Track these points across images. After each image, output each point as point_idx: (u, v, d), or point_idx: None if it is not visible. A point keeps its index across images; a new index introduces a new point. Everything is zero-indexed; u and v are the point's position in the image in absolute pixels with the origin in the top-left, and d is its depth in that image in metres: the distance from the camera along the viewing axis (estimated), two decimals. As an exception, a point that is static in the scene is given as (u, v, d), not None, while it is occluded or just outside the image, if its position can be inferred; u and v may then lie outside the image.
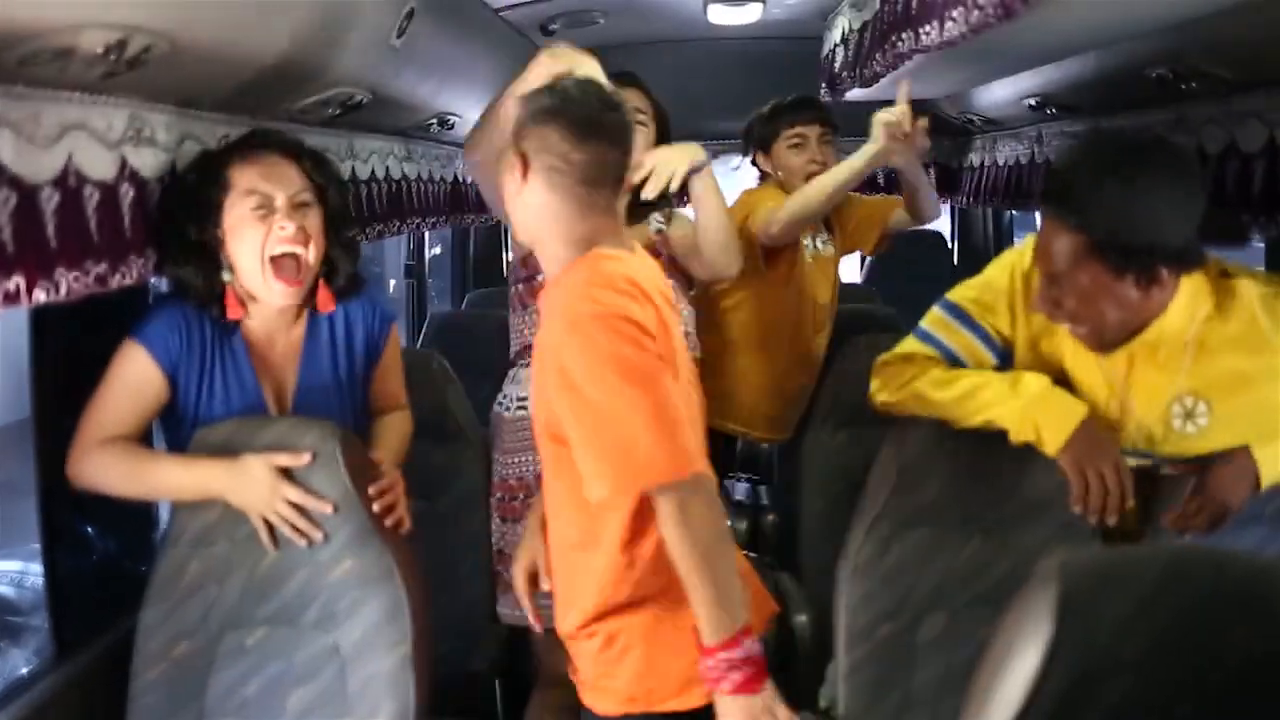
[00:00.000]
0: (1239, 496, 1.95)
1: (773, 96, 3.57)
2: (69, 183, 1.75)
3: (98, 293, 1.81)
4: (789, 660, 2.54)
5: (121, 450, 2.01)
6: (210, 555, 2.02)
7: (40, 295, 1.64)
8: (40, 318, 2.05)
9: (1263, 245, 2.59)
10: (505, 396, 2.73)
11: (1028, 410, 1.95)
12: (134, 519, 2.24)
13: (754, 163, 3.57)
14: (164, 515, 2.23)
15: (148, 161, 1.99)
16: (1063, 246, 1.83)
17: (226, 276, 2.08)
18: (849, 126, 5.03)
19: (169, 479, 2.02)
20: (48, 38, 1.55)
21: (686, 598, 1.72)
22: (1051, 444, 1.94)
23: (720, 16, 3.92)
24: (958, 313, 2.13)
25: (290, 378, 2.19)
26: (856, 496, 2.19)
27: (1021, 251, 2.08)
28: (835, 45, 3.89)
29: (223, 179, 2.06)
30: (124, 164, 1.91)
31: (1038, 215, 4.92)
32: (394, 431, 2.31)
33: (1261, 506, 2.12)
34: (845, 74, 3.61)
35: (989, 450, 2.08)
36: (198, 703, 1.99)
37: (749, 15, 3.96)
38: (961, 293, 2.14)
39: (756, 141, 3.51)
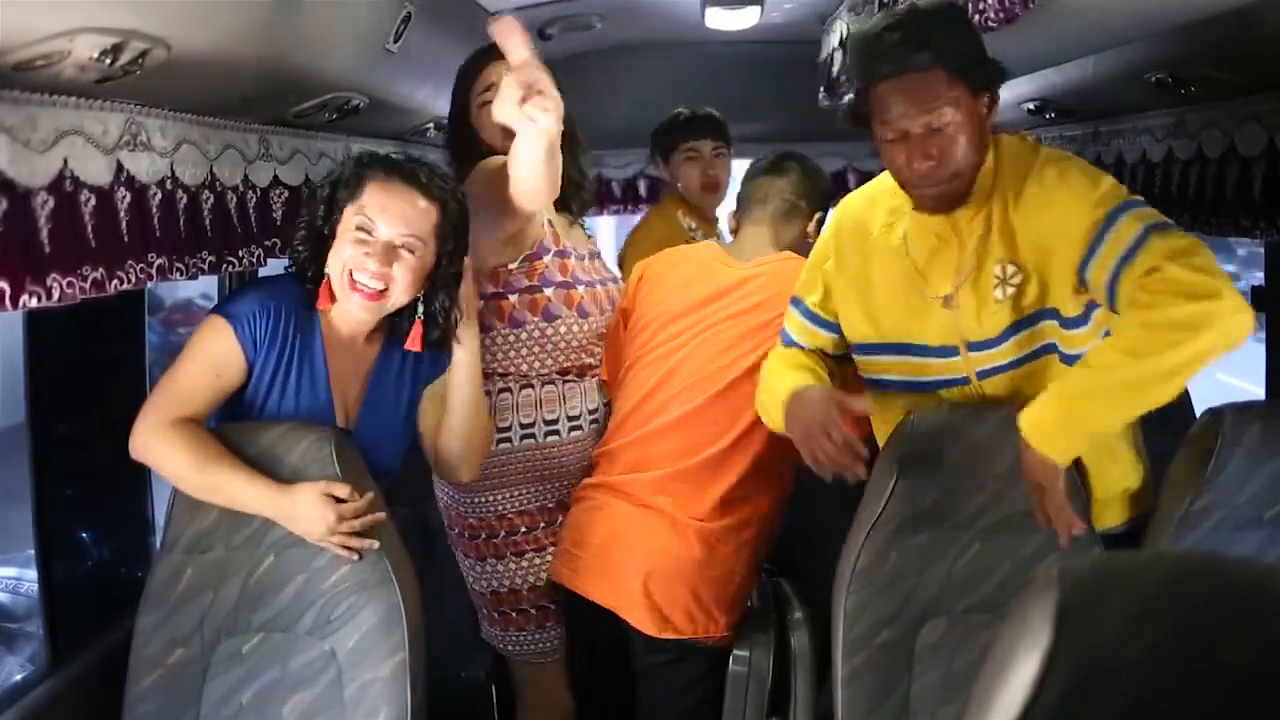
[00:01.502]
0: (1051, 479, 1.90)
1: (771, 100, 3.58)
2: (64, 188, 1.74)
3: (93, 298, 1.80)
4: (788, 667, 2.53)
5: (194, 437, 1.99)
6: (206, 561, 2.02)
7: (30, 300, 1.63)
8: (35, 322, 2.04)
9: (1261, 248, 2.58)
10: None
11: (764, 402, 2.18)
12: (129, 525, 2.24)
13: (656, 168, 3.79)
14: (159, 520, 2.22)
15: (144, 166, 1.98)
16: (930, 90, 1.88)
17: (329, 268, 2.09)
18: (846, 130, 5.05)
19: (233, 487, 1.99)
20: (43, 43, 1.54)
21: None
22: (776, 426, 2.14)
23: (718, 20, 3.91)
24: (795, 301, 2.28)
25: (356, 390, 2.18)
26: (854, 503, 2.18)
27: (836, 218, 2.23)
28: (833, 49, 3.88)
29: (358, 185, 2.07)
30: (120, 169, 1.90)
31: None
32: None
33: (1261, 511, 2.11)
34: (843, 78, 3.60)
35: (988, 455, 2.07)
36: (193, 709, 1.99)
37: (747, 19, 3.95)
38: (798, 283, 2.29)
39: (660, 150, 3.65)
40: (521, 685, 2.66)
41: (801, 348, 2.26)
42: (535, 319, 2.47)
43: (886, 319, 2.12)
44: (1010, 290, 1.99)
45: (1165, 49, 2.39)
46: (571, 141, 2.39)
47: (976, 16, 1.91)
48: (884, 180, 2.14)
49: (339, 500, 1.99)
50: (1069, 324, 2.00)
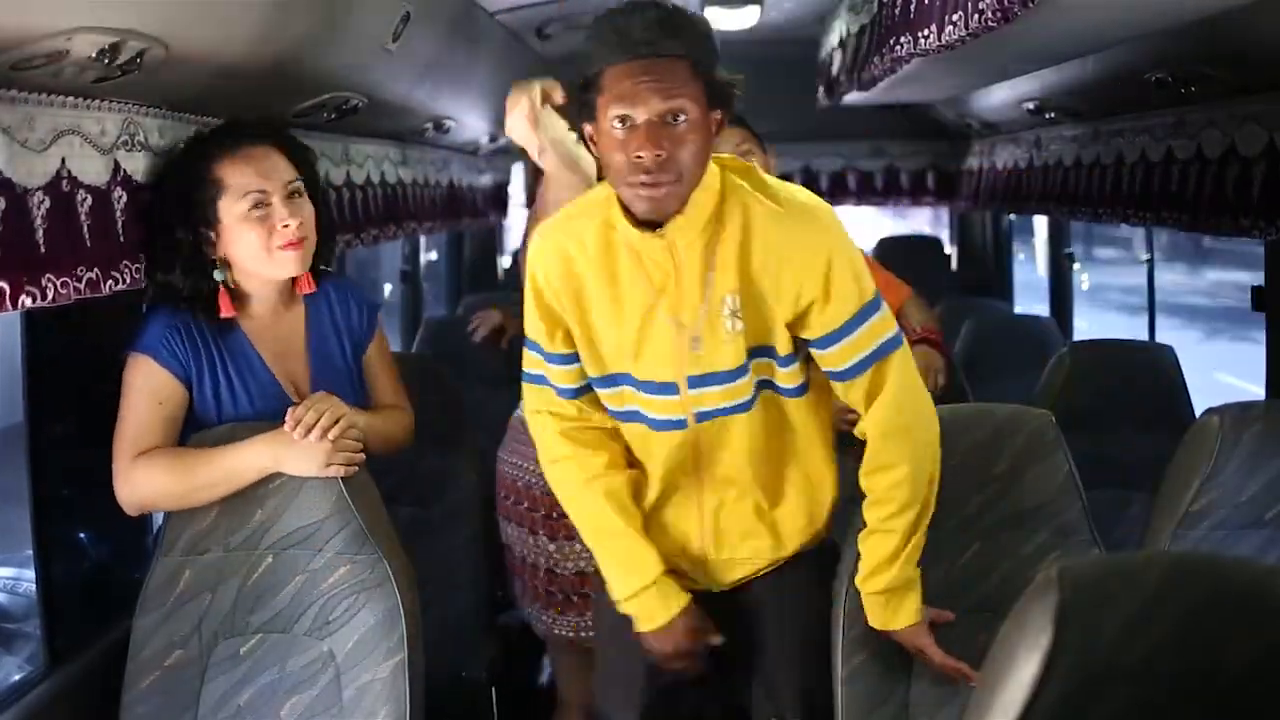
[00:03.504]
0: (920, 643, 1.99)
1: (770, 100, 3.56)
2: (61, 187, 1.74)
3: (90, 298, 1.80)
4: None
5: (163, 456, 2.00)
6: (204, 563, 2.01)
7: (26, 300, 1.62)
8: (33, 321, 2.04)
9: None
10: None
11: (635, 595, 2.02)
12: (127, 526, 2.22)
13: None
14: (158, 521, 2.21)
15: (141, 166, 1.98)
16: (675, 77, 1.80)
17: (219, 276, 2.06)
18: (846, 130, 5.06)
19: (219, 466, 2.00)
20: (41, 42, 1.54)
21: None
22: (649, 626, 2.02)
23: (717, 20, 3.91)
24: (532, 347, 2.07)
25: (301, 365, 2.17)
26: (851, 507, 2.18)
27: (534, 255, 2.01)
28: (833, 49, 3.88)
29: (213, 178, 2.03)
30: (117, 168, 1.90)
31: (1035, 218, 4.94)
32: (380, 415, 2.23)
33: (1261, 511, 2.11)
34: (843, 77, 3.61)
35: (984, 455, 2.07)
36: (191, 711, 1.98)
37: (747, 19, 3.95)
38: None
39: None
40: (560, 682, 2.65)
41: (569, 392, 2.05)
42: None
43: (607, 347, 1.98)
44: (739, 325, 1.91)
45: (1164, 49, 2.39)
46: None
47: (975, 16, 1.91)
48: (580, 206, 2.03)
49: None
50: (784, 361, 1.96)
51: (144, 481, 2.00)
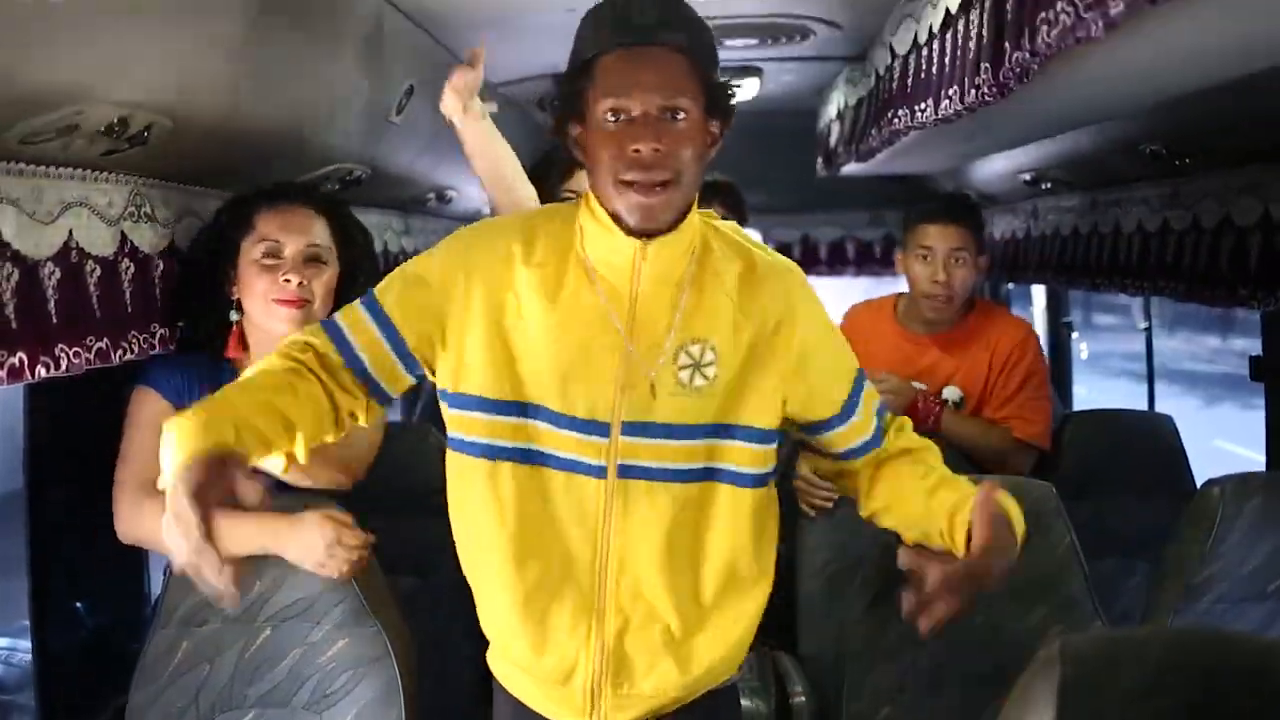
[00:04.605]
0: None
1: (769, 171, 3.59)
2: (70, 258, 1.76)
3: (96, 368, 1.81)
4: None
5: None
6: (201, 635, 1.99)
7: (41, 371, 1.64)
8: (35, 390, 2.05)
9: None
10: None
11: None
12: (125, 596, 2.22)
13: None
14: (155, 590, 2.20)
15: (147, 237, 2.00)
16: (675, 70, 1.61)
17: (234, 316, 2.11)
18: (845, 199, 5.09)
19: (234, 528, 1.95)
20: (51, 116, 1.56)
21: None
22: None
23: (717, 92, 3.96)
24: (368, 300, 1.71)
25: None
26: (854, 575, 2.17)
27: (461, 240, 1.75)
28: (831, 120, 3.93)
29: (248, 221, 2.10)
30: (124, 239, 1.92)
31: (1033, 287, 4.96)
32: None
33: (1264, 584, 2.10)
34: (841, 148, 3.65)
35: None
36: (188, 785, 1.96)
37: (747, 92, 4.00)
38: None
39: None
40: None
41: (358, 365, 1.68)
42: None
43: (528, 369, 1.67)
44: (700, 382, 1.67)
45: (1159, 121, 2.42)
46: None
47: (971, 90, 1.94)
48: (540, 210, 1.87)
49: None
50: (761, 438, 1.72)
51: (142, 521, 1.96)
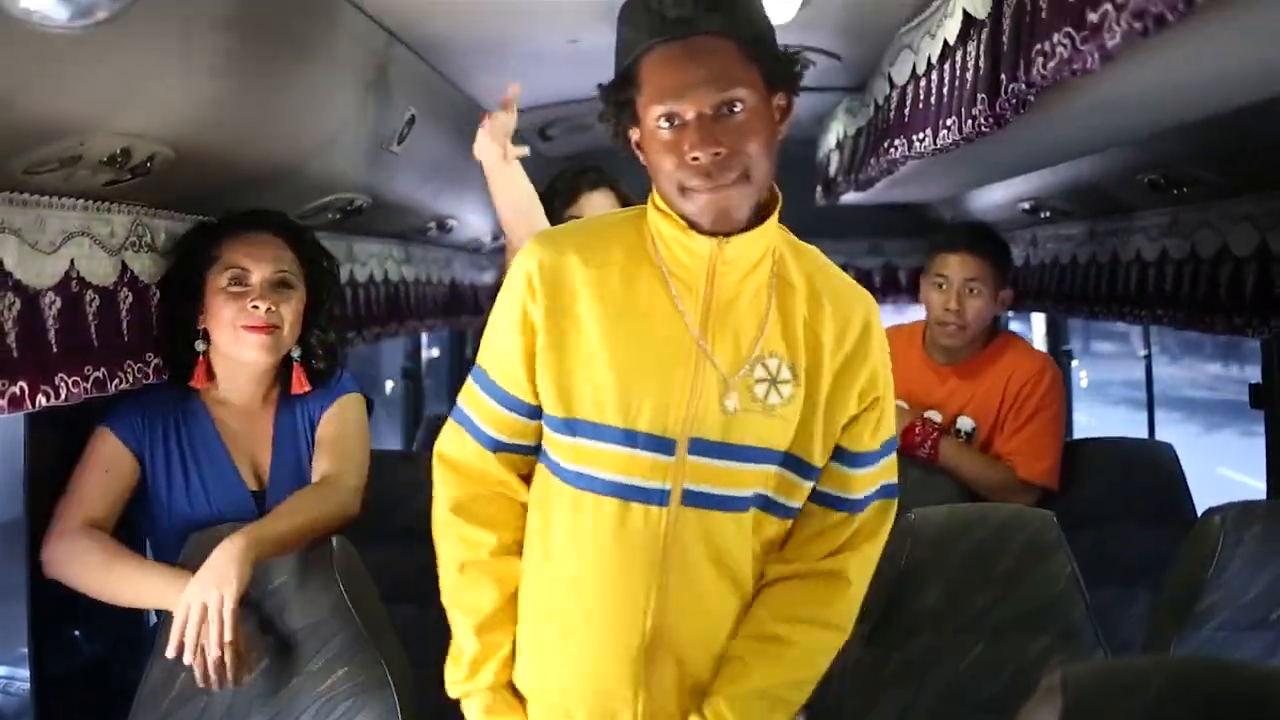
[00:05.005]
0: None
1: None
2: (70, 288, 1.77)
3: (95, 397, 1.81)
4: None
5: (99, 540, 1.97)
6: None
7: (41, 400, 1.65)
8: (35, 417, 2.05)
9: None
10: None
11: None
12: (124, 624, 2.21)
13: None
14: (153, 618, 2.19)
15: (147, 266, 2.01)
16: (722, 60, 1.50)
17: (200, 346, 2.10)
18: (844, 228, 5.11)
19: (130, 586, 1.94)
20: (55, 146, 1.57)
21: None
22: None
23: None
24: (478, 376, 1.70)
25: (264, 457, 2.18)
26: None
27: (525, 259, 1.63)
28: (831, 150, 3.94)
29: (213, 251, 2.09)
30: (124, 269, 1.93)
31: (1032, 315, 4.95)
32: (290, 511, 2.01)
33: (1265, 612, 2.09)
34: (840, 178, 3.66)
35: (986, 556, 2.06)
36: (185, 816, 1.94)
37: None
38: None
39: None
40: None
41: (491, 443, 1.67)
42: None
43: (588, 385, 1.57)
44: (775, 400, 1.57)
45: (1157, 151, 2.43)
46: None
47: (969, 121, 1.95)
48: (601, 218, 1.78)
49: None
50: (810, 473, 1.63)
51: (69, 557, 1.96)
